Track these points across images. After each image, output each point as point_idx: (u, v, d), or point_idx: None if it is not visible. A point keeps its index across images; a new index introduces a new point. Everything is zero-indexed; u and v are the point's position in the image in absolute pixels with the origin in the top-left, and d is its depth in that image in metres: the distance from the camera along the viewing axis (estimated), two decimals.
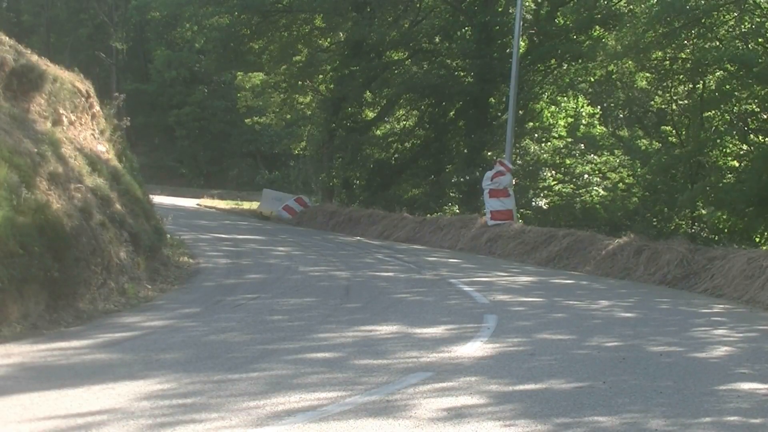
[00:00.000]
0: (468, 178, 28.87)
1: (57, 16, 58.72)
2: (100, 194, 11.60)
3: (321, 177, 35.11)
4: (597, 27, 28.81)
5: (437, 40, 32.49)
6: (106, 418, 5.70)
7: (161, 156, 55.10)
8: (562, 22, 30.20)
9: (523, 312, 11.70)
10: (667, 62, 24.53)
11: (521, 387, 7.11)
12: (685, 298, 14.29)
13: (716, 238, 22.23)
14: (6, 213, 8.71)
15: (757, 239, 22.80)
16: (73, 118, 12.52)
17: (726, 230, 23.21)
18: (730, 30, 22.98)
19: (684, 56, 23.75)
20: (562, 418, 6.17)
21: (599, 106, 33.21)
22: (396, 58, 33.56)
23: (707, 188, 23.19)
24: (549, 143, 31.07)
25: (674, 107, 27.18)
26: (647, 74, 27.07)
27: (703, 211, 24.18)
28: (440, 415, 6.14)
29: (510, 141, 24.04)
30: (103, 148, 13.51)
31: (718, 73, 23.86)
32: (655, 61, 24.76)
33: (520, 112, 28.65)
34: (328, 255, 18.82)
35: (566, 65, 29.87)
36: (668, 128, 28.19)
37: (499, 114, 29.90)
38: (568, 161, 30.71)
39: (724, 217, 23.41)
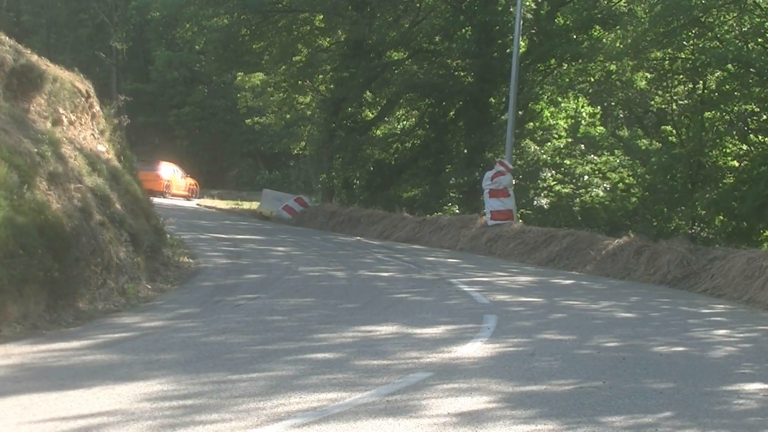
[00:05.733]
0: (468, 178, 28.87)
1: (57, 16, 58.62)
2: (100, 194, 11.59)
3: (321, 177, 35.10)
4: (597, 27, 28.83)
5: (437, 40, 32.47)
6: (106, 419, 5.70)
7: (161, 156, 55.00)
8: (562, 22, 30.20)
9: (523, 312, 11.70)
10: (667, 62, 24.55)
11: (521, 387, 7.10)
12: (685, 298, 14.29)
13: (719, 237, 22.26)
14: (6, 213, 8.71)
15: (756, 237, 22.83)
16: (73, 118, 12.51)
17: (726, 233, 23.23)
18: (730, 30, 23.00)
19: (684, 56, 23.77)
20: (563, 418, 6.16)
21: (599, 106, 33.22)
22: (396, 58, 33.53)
23: (708, 188, 23.21)
24: (549, 143, 31.07)
25: (674, 107, 27.21)
26: (647, 74, 27.11)
27: (703, 212, 24.21)
28: (440, 415, 6.14)
29: (510, 141, 24.03)
30: (103, 148, 13.51)
31: (717, 73, 23.88)
32: (655, 62, 24.79)
33: (520, 112, 28.65)
34: (328, 255, 18.80)
35: (566, 65, 29.87)
36: (668, 128, 28.23)
37: (499, 114, 29.90)
38: (568, 161, 30.73)
39: (722, 217, 23.44)
